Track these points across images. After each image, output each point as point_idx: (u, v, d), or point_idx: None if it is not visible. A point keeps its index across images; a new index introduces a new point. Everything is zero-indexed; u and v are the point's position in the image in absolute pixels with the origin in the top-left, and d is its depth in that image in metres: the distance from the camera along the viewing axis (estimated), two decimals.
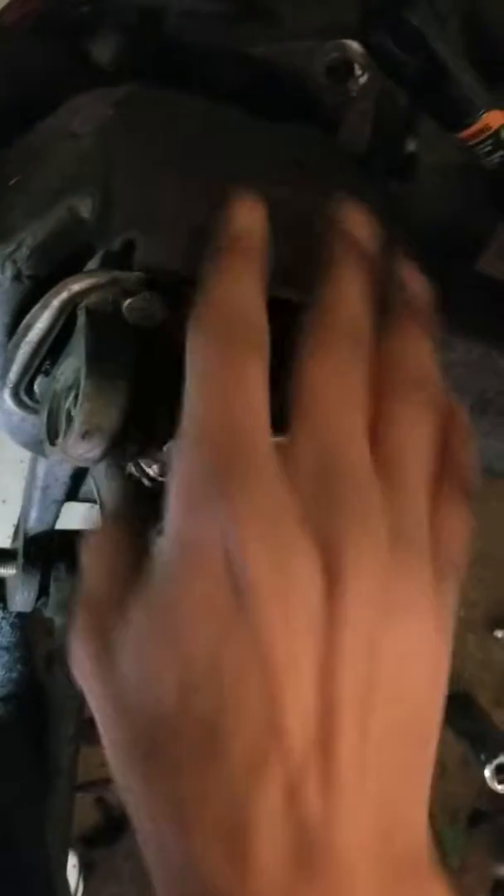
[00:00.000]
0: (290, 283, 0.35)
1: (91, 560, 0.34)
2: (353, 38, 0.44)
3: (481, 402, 0.51)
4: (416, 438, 0.33)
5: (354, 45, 0.45)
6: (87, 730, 0.89)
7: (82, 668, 0.32)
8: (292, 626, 0.28)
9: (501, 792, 0.73)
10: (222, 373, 0.30)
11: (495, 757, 0.72)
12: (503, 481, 0.80)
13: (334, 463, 0.30)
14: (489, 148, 0.43)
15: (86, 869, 0.80)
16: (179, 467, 0.30)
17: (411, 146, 0.48)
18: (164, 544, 0.30)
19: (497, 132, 0.42)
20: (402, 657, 0.29)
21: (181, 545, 0.29)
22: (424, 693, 0.30)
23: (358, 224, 0.36)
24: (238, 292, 0.32)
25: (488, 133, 0.42)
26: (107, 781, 0.95)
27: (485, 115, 0.42)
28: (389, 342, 0.34)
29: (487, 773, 0.72)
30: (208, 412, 0.30)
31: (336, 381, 0.32)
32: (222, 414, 0.30)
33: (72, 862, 0.76)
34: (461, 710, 0.79)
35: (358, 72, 0.45)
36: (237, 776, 0.27)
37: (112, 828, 0.97)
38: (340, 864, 0.27)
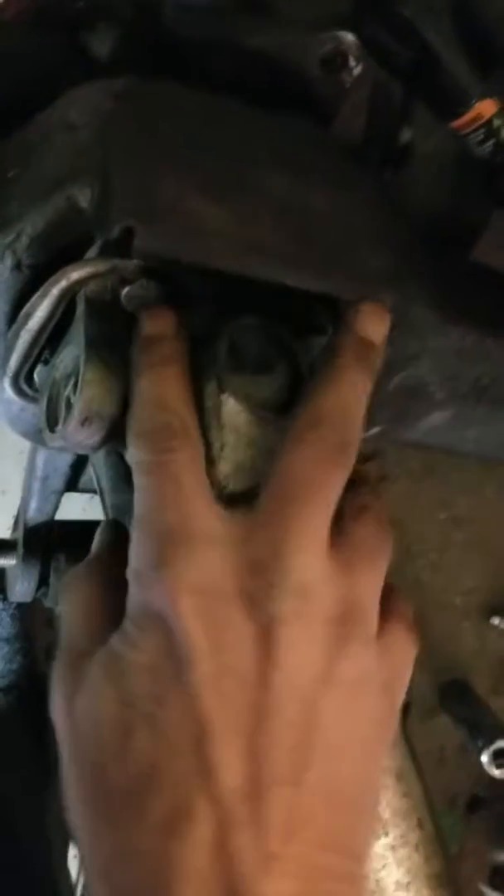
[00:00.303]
0: (291, 272, 0.36)
1: (69, 606, 0.37)
2: (347, 29, 0.45)
3: (476, 389, 0.52)
4: (376, 543, 0.36)
5: (348, 37, 0.45)
6: None
7: (53, 709, 0.35)
8: (225, 694, 0.30)
9: (499, 777, 0.73)
10: (156, 468, 0.34)
11: (492, 742, 0.73)
12: (498, 469, 0.80)
13: (286, 539, 0.33)
14: (482, 137, 0.43)
15: None
16: (132, 547, 0.34)
17: (406, 135, 0.48)
18: (127, 606, 0.33)
19: (489, 121, 0.43)
20: (338, 726, 0.32)
21: (133, 609, 0.33)
22: (362, 758, 0.33)
23: (371, 329, 0.39)
24: (162, 391, 0.35)
25: (481, 122, 0.43)
26: None
27: (477, 104, 0.43)
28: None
29: (485, 758, 0.73)
30: (152, 500, 0.34)
31: (313, 470, 0.34)
32: (163, 502, 0.33)
33: (73, 853, 0.76)
34: (458, 696, 0.79)
35: (352, 63, 0.46)
36: (166, 830, 0.29)
37: None
38: None
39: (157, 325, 0.37)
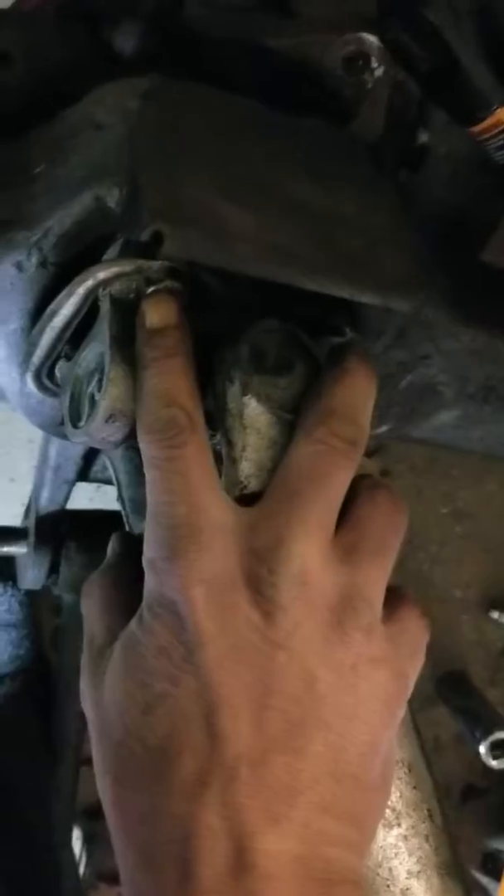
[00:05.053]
0: (313, 277, 0.36)
1: (89, 607, 0.39)
2: (370, 31, 0.45)
3: (485, 389, 0.53)
4: (385, 524, 0.37)
5: (371, 39, 0.45)
6: None
7: (82, 698, 0.37)
8: (232, 673, 0.33)
9: (497, 768, 0.75)
10: (165, 463, 0.35)
11: (490, 734, 0.74)
12: (499, 464, 0.81)
13: (288, 528, 0.35)
14: (501, 142, 0.44)
15: (89, 840, 0.82)
16: (146, 538, 0.35)
17: (423, 137, 0.49)
18: (144, 594, 0.36)
19: None
20: (340, 705, 0.34)
21: (148, 597, 0.35)
22: (367, 735, 0.34)
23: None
24: (168, 385, 0.36)
25: (500, 128, 0.43)
26: None
27: (498, 110, 0.43)
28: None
29: (482, 749, 0.74)
30: (162, 495, 0.35)
31: (319, 464, 0.36)
32: (173, 496, 0.35)
33: (76, 834, 0.77)
34: (456, 688, 0.81)
35: (374, 64, 0.46)
36: (182, 793, 0.32)
37: None
38: (267, 870, 0.31)
39: (160, 315, 0.38)
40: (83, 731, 0.69)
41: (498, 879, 0.88)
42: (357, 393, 0.38)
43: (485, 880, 0.84)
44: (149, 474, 0.36)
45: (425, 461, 0.79)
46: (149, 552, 0.35)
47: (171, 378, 0.36)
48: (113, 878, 0.82)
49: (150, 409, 0.36)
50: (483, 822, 0.87)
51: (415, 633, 0.37)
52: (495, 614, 0.84)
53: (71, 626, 0.66)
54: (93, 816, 0.79)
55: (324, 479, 0.36)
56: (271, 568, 0.34)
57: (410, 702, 0.38)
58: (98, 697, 0.36)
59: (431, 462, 0.79)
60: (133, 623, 0.35)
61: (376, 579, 0.36)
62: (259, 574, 0.34)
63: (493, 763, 0.75)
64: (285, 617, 0.33)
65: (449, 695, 0.79)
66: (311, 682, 0.33)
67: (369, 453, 0.43)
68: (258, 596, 0.34)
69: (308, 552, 0.34)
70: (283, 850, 0.32)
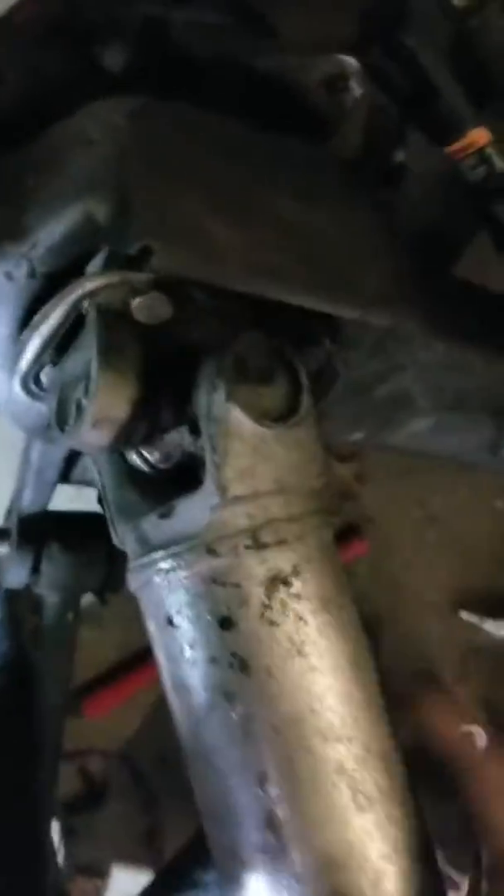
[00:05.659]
0: (296, 292, 0.38)
1: None
2: (350, 53, 0.47)
3: (458, 399, 0.55)
4: None
5: (350, 61, 0.47)
6: (71, 703, 0.91)
7: None
8: None
9: None
10: None
11: None
12: (472, 473, 0.84)
13: None
14: (474, 163, 0.46)
15: (66, 834, 0.83)
16: None
17: (401, 157, 0.51)
18: None
19: (482, 149, 0.45)
20: None
21: None
22: None
23: None
24: None
25: (473, 149, 0.45)
26: (88, 752, 0.99)
27: (471, 132, 0.45)
28: None
29: None
30: None
31: None
32: None
33: (54, 828, 0.78)
34: (426, 685, 0.83)
35: (353, 86, 0.48)
36: None
37: (92, 795, 1.04)
38: None
39: None
40: (63, 727, 0.70)
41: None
42: None
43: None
44: None
45: (400, 467, 0.81)
46: None
47: None
48: (89, 871, 0.84)
49: None
50: None
51: None
52: (465, 615, 0.86)
53: (51, 624, 0.67)
54: (71, 810, 0.80)
55: None
56: None
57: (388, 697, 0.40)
58: None
59: (405, 468, 0.81)
60: None
61: None
62: None
63: None
64: None
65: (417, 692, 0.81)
66: None
67: (345, 459, 0.45)
68: None
69: None
70: None
